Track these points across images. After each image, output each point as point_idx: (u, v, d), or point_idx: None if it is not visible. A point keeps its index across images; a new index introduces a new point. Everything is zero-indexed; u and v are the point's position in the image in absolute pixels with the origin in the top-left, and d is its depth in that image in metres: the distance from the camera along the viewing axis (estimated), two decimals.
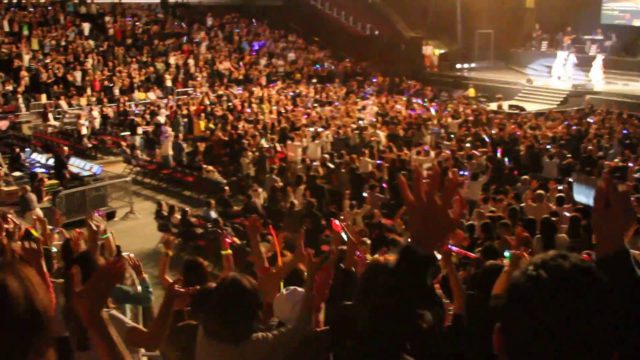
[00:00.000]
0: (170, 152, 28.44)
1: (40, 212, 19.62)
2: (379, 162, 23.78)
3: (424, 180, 2.39)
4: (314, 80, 48.49)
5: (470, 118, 33.78)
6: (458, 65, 50.58)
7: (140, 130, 32.83)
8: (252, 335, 4.63)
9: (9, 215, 16.87)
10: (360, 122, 32.21)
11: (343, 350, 4.71)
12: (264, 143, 27.05)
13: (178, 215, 20.10)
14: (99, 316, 2.59)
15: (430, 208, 2.38)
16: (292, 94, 42.72)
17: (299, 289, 5.40)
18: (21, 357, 2.02)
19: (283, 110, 35.87)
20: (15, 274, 2.06)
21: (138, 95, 41.54)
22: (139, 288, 8.07)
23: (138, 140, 31.31)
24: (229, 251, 7.79)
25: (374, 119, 33.46)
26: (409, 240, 2.43)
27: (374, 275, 4.70)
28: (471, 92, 44.19)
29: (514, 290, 1.96)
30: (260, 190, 22.22)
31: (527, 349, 1.88)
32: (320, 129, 29.41)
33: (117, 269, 2.65)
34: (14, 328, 1.99)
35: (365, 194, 20.42)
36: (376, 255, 6.99)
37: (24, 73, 39.68)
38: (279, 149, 27.07)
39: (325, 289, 5.20)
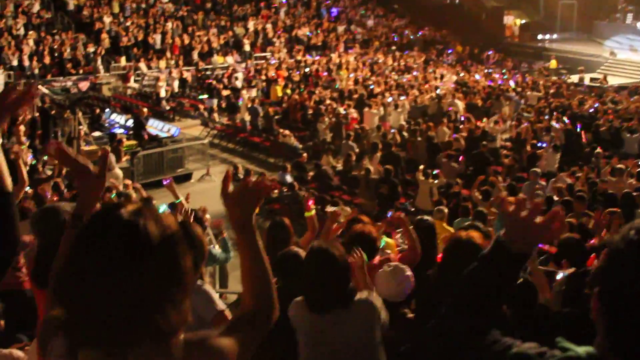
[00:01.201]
0: (247, 117, 28.59)
1: (119, 172, 19.94)
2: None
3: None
4: (393, 48, 48.11)
5: (551, 90, 33.21)
6: (539, 36, 49.70)
7: (217, 93, 33.04)
8: (356, 297, 4.60)
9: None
10: (438, 91, 31.90)
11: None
12: (340, 110, 26.93)
13: (254, 179, 20.16)
14: (249, 225, 2.60)
15: (528, 223, 2.38)
16: (369, 61, 42.48)
17: (401, 266, 5.36)
18: (158, 308, 2.00)
19: (360, 78, 35.69)
20: (154, 219, 2.05)
21: (217, 59, 41.73)
22: (217, 247, 8.13)
23: (215, 104, 31.48)
24: (313, 212, 7.76)
25: (453, 87, 33.15)
26: (502, 234, 2.43)
27: (455, 250, 4.64)
28: (552, 63, 43.38)
29: (615, 255, 1.93)
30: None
31: (629, 312, 1.85)
32: (402, 98, 29.24)
33: (266, 185, 2.66)
34: (151, 275, 1.98)
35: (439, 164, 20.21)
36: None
37: (104, 35, 40.19)
38: (355, 115, 26.96)
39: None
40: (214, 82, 34.44)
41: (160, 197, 15.71)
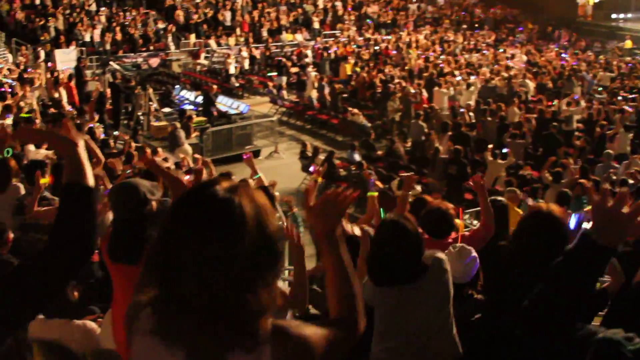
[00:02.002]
0: (315, 94, 28.58)
1: (188, 148, 20.13)
2: None
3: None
4: (463, 27, 47.57)
5: (624, 71, 32.52)
6: (614, 15, 48.57)
7: (286, 71, 33.10)
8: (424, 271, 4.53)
9: (159, 149, 17.41)
10: (509, 70, 31.48)
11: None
12: (410, 89, 26.73)
13: (322, 157, 20.19)
14: (333, 235, 2.56)
15: (616, 214, 2.34)
16: (439, 39, 42.09)
17: (467, 247, 5.30)
18: (250, 287, 2.01)
19: (430, 56, 35.39)
20: (249, 197, 2.06)
21: (286, 36, 41.75)
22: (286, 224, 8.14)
23: (284, 81, 31.52)
24: (376, 193, 7.72)
25: (523, 67, 32.69)
26: (589, 228, 2.41)
27: (534, 220, 4.54)
28: (627, 43, 42.33)
29: None
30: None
31: None
32: (472, 78, 28.94)
33: (347, 196, 2.63)
34: (245, 253, 1.99)
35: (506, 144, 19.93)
36: None
37: (178, 12, 40.51)
38: (425, 95, 26.76)
39: None
40: (284, 60, 34.45)
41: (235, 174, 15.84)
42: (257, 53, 37.03)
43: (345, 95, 28.83)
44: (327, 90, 28.14)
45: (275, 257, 2.07)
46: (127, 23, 38.30)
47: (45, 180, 8.87)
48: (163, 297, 2.10)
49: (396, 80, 28.50)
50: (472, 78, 28.86)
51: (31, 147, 13.00)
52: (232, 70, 33.29)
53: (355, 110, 25.02)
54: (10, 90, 19.33)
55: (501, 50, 39.89)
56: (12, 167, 8.87)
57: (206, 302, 1.99)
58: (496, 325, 4.24)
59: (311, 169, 18.68)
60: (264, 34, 41.30)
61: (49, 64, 29.18)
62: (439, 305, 4.46)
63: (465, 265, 5.16)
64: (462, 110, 23.88)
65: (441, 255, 4.56)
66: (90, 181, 2.49)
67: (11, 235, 6.50)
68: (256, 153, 22.72)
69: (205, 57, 36.78)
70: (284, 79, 31.93)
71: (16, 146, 11.94)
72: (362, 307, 2.52)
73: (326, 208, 2.59)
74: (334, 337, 2.31)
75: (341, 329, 2.40)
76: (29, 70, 26.57)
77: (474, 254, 5.27)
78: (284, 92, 29.70)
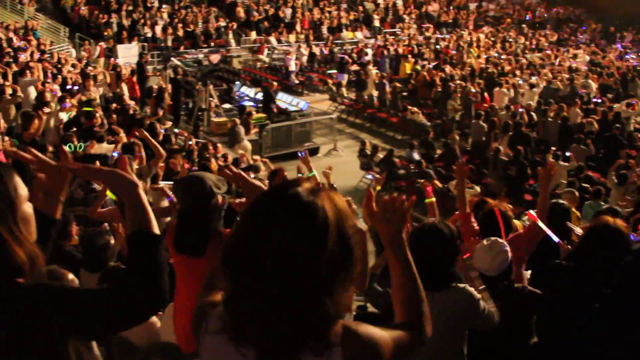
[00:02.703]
0: (375, 92, 28.53)
1: (248, 144, 20.23)
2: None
3: None
4: (524, 26, 47.08)
5: None
6: None
7: (347, 69, 33.07)
8: (452, 283, 4.49)
9: (219, 145, 17.53)
10: (572, 71, 31.08)
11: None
12: (470, 88, 26.51)
13: (381, 155, 20.15)
14: (399, 239, 2.54)
15: None
16: (500, 39, 41.72)
17: (500, 240, 5.24)
18: (328, 287, 2.00)
19: (491, 56, 35.10)
20: (330, 200, 2.05)
21: (346, 34, 41.75)
22: None
23: (346, 79, 31.51)
24: (433, 199, 7.65)
25: (586, 69, 32.23)
26: None
27: (601, 235, 4.47)
28: None
29: None
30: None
31: None
32: (534, 78, 28.63)
33: (403, 201, 2.60)
34: (325, 256, 1.97)
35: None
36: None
37: (239, 9, 40.75)
38: (485, 94, 26.54)
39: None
40: (346, 57, 34.43)
41: (289, 170, 15.87)
42: (317, 50, 37.07)
43: (404, 93, 28.73)
44: (387, 88, 28.06)
45: (352, 260, 2.05)
46: (188, 20, 38.62)
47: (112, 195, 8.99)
48: (237, 297, 2.10)
49: (457, 80, 28.33)
50: (534, 79, 28.51)
51: (96, 143, 13.17)
52: (292, 67, 33.36)
53: (415, 109, 24.93)
54: (76, 87, 19.56)
55: (563, 50, 39.38)
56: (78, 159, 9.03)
57: (282, 304, 1.98)
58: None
59: (369, 176, 18.68)
60: (324, 31, 41.34)
61: (111, 60, 29.56)
62: (453, 327, 4.42)
63: (493, 258, 5.11)
64: (520, 110, 23.57)
65: (475, 293, 4.51)
66: (156, 228, 2.47)
67: (75, 228, 6.57)
68: (315, 150, 22.71)
69: (266, 54, 36.93)
70: (346, 76, 31.93)
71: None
72: (428, 312, 2.49)
73: (387, 214, 2.56)
74: (401, 341, 2.29)
75: (407, 333, 2.37)
76: (92, 65, 26.93)
77: (506, 248, 5.20)
78: (344, 90, 29.69)
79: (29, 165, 2.92)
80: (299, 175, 9.10)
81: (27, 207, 2.48)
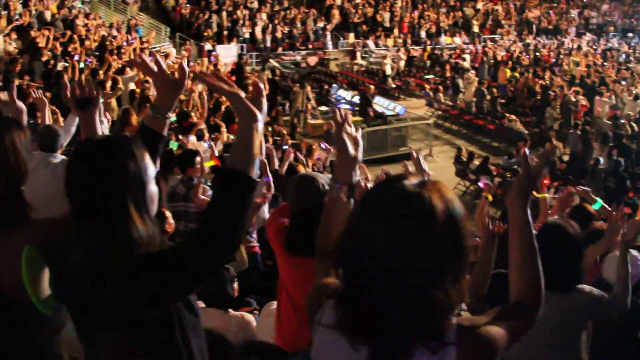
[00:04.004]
0: (473, 98, 28.29)
1: None
2: None
3: None
4: (629, 35, 46.01)
5: None
6: None
7: (444, 74, 32.88)
8: (579, 285, 4.37)
9: (315, 146, 17.64)
10: None
11: None
12: (570, 96, 26.05)
13: (477, 162, 20.00)
14: (523, 211, 2.47)
15: None
16: (603, 47, 40.85)
17: (634, 253, 5.12)
18: (438, 283, 1.98)
19: (592, 64, 34.41)
20: (438, 191, 2.04)
21: (444, 39, 41.50)
22: None
23: (441, 84, 31.32)
24: (546, 194, 7.51)
25: None
26: None
27: None
28: None
29: None
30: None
31: None
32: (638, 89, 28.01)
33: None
34: (435, 249, 1.96)
35: None
36: None
37: (335, 11, 40.92)
38: (584, 103, 26.04)
39: None
40: (450, 62, 34.17)
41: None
42: (415, 55, 36.94)
43: (502, 100, 28.42)
44: (485, 94, 27.79)
45: (464, 253, 2.03)
46: (287, 21, 38.97)
47: (210, 163, 9.17)
48: (347, 291, 2.11)
49: (556, 88, 27.88)
50: (638, 89, 27.85)
51: (193, 140, 13.42)
52: (389, 71, 33.32)
53: (513, 117, 24.62)
54: None
55: None
56: (174, 157, 9.25)
57: (393, 298, 1.98)
58: None
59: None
60: (423, 35, 41.18)
61: (211, 59, 30.03)
62: (573, 323, 4.34)
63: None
64: (623, 121, 23.07)
65: (601, 294, 4.42)
66: (254, 173, 2.40)
67: (171, 222, 6.68)
68: (409, 155, 22.61)
69: (363, 57, 36.98)
70: (441, 81, 31.73)
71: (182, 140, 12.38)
72: (544, 291, 2.43)
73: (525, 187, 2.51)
74: (516, 330, 2.24)
75: (522, 316, 2.33)
76: (192, 64, 27.39)
77: None
78: (441, 95, 29.53)
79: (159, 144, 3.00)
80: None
81: (154, 187, 2.56)
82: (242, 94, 2.44)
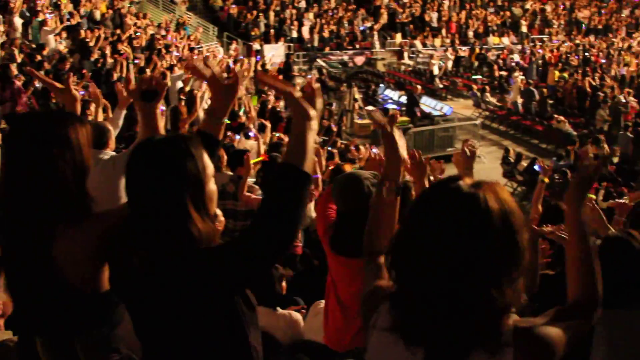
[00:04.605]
0: (520, 99, 28.07)
1: None
2: None
3: None
4: None
5: None
6: None
7: (492, 74, 32.67)
8: None
9: (361, 146, 17.65)
10: None
11: None
12: (620, 98, 25.72)
13: (524, 163, 19.85)
14: (577, 204, 2.50)
15: None
16: None
17: None
18: (494, 283, 1.98)
19: None
20: (493, 192, 2.04)
21: (492, 39, 41.22)
22: None
23: (489, 84, 31.11)
24: (592, 196, 7.40)
25: None
26: None
27: None
28: None
29: None
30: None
31: None
32: None
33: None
34: (490, 249, 1.96)
35: None
36: None
37: (382, 10, 40.86)
38: (634, 104, 25.70)
39: None
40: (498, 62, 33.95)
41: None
42: (462, 55, 36.77)
43: (551, 101, 28.14)
44: (533, 95, 27.54)
45: (520, 253, 2.02)
46: (335, 21, 38.99)
47: (257, 159, 9.22)
48: (403, 293, 2.12)
49: (606, 89, 27.55)
50: None
51: (240, 138, 13.51)
52: (436, 71, 33.21)
53: (562, 118, 24.33)
54: None
55: None
56: (221, 156, 9.32)
57: (449, 299, 1.98)
58: None
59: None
60: (470, 35, 40.96)
61: (258, 58, 30.19)
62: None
63: None
64: None
65: None
66: (309, 168, 2.46)
67: (221, 219, 6.72)
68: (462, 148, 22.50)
69: (410, 57, 36.88)
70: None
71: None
72: (600, 290, 2.40)
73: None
74: (574, 332, 2.23)
75: (579, 316, 2.32)
76: (241, 58, 27.51)
77: None
78: (488, 96, 29.35)
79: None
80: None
81: (213, 185, 2.61)
82: (298, 93, 2.50)
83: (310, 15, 38.98)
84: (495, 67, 33.84)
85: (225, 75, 3.12)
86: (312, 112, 2.50)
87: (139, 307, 2.62)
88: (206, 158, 2.57)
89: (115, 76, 17.75)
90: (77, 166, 2.78)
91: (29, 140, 2.76)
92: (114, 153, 6.05)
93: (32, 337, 2.95)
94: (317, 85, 2.60)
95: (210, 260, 2.41)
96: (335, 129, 19.86)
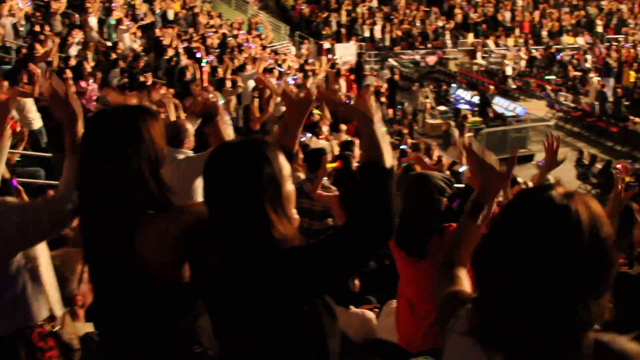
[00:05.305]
0: (595, 100, 27.65)
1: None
2: None
3: None
4: None
5: None
6: None
7: (566, 75, 32.24)
8: None
9: (433, 146, 17.63)
10: None
11: None
12: None
13: (599, 165, 19.56)
14: None
15: None
16: None
17: None
18: (580, 294, 1.95)
19: None
20: (584, 204, 2.00)
21: (566, 38, 40.62)
22: None
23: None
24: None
25: None
26: None
27: None
28: None
29: None
30: None
31: None
32: None
33: None
34: (578, 262, 1.93)
35: None
36: None
37: (457, 10, 40.64)
38: None
39: None
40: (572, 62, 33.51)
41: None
42: (536, 55, 36.33)
43: (627, 102, 27.66)
44: (606, 96, 27.10)
45: (608, 267, 1.98)
46: (407, 20, 38.90)
47: (332, 164, 9.28)
48: (485, 300, 2.11)
49: None
50: None
51: (311, 137, 13.60)
52: (509, 71, 32.89)
53: (638, 119, 23.93)
54: (293, 80, 20.10)
55: None
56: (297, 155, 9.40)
57: (532, 310, 1.96)
58: None
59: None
60: (544, 35, 40.45)
61: (329, 57, 30.28)
62: None
63: None
64: None
65: None
66: (388, 162, 2.50)
67: (296, 217, 6.77)
68: (529, 157, 22.33)
69: (483, 57, 36.61)
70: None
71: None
72: None
73: None
74: None
75: None
76: (311, 60, 27.65)
77: None
78: (562, 97, 28.96)
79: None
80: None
81: (290, 186, 2.64)
82: (352, 103, 2.61)
83: (382, 14, 38.93)
84: (570, 67, 33.36)
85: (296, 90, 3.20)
86: (375, 117, 2.57)
87: (218, 307, 2.67)
88: (282, 159, 2.60)
89: (189, 75, 17.99)
90: (152, 159, 2.86)
91: (103, 138, 2.85)
92: (190, 152, 6.19)
93: (113, 330, 3.03)
94: (371, 94, 2.67)
95: (296, 260, 2.44)
96: (406, 130, 19.86)
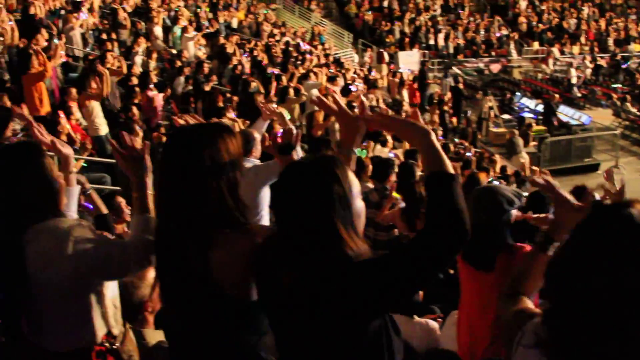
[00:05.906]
0: None
1: (526, 157, 20.03)
2: None
3: None
4: None
5: None
6: None
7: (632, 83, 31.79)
8: None
9: (496, 156, 17.52)
10: None
11: None
12: None
13: None
14: None
15: None
16: None
17: None
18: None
19: None
20: None
21: (633, 47, 40.00)
22: None
23: (630, 93, 30.25)
24: None
25: None
26: None
27: None
28: None
29: None
30: None
31: None
32: None
33: None
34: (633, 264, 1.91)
35: None
36: None
37: (521, 19, 40.33)
38: None
39: None
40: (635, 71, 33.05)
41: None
42: (602, 63, 35.85)
43: None
44: None
45: None
46: (471, 28, 38.74)
47: (398, 195, 9.33)
48: (558, 313, 2.08)
49: None
50: None
51: (374, 146, 13.65)
52: (574, 79, 32.51)
53: None
54: (355, 88, 20.12)
55: None
56: (366, 165, 9.48)
57: (605, 324, 1.92)
58: None
59: None
60: (610, 43, 39.91)
61: (392, 66, 30.28)
62: None
63: None
64: None
65: None
66: (451, 168, 2.51)
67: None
68: (594, 167, 22.07)
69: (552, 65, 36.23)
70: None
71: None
72: None
73: None
74: None
75: None
76: (373, 73, 27.67)
77: None
78: (629, 105, 28.54)
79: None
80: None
81: (360, 202, 2.66)
82: (406, 120, 2.67)
83: (446, 22, 38.84)
84: (637, 75, 32.86)
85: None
86: (426, 128, 2.61)
87: (284, 324, 2.69)
88: (351, 176, 2.62)
89: (253, 86, 18.11)
90: (231, 179, 2.86)
91: (182, 158, 2.86)
92: (257, 161, 6.31)
93: (185, 344, 3.08)
94: (416, 112, 2.81)
95: (370, 273, 2.43)
96: (466, 143, 19.77)
